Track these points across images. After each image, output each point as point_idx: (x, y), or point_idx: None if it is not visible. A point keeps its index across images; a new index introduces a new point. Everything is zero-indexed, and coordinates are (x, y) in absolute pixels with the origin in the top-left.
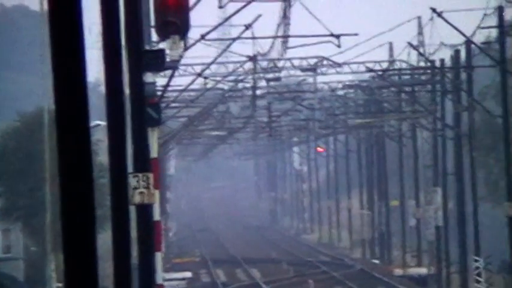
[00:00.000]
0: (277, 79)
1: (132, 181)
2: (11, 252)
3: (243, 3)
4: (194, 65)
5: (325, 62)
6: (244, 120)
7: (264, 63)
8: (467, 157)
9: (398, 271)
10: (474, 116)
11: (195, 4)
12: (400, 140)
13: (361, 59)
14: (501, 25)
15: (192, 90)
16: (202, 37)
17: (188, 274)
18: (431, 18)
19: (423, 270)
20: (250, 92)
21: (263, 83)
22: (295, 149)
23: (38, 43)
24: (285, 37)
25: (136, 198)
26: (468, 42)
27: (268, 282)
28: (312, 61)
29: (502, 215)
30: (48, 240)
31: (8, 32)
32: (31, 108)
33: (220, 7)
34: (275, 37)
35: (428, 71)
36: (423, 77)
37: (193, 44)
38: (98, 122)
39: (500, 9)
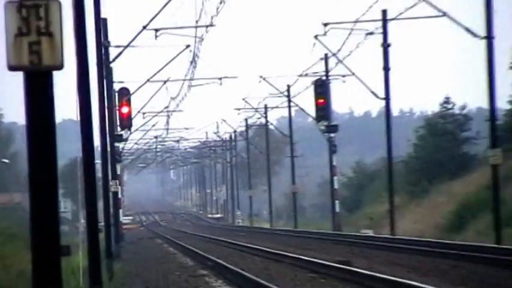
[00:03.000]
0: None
1: (112, 183)
2: (67, 209)
3: (152, 116)
4: (133, 139)
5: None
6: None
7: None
8: (235, 174)
9: (210, 216)
10: (238, 158)
11: (133, 117)
12: (211, 167)
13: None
14: (246, 127)
15: (131, 148)
16: (136, 130)
17: (131, 217)
18: (221, 123)
19: (219, 215)
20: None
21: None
22: (172, 171)
23: (76, 134)
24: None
25: (112, 189)
26: (235, 132)
27: (162, 220)
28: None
29: (247, 195)
30: (80, 205)
31: (61, 130)
32: (73, 156)
33: (143, 117)
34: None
35: (221, 142)
36: (219, 143)
37: (133, 132)
38: (97, 161)
39: (246, 120)
